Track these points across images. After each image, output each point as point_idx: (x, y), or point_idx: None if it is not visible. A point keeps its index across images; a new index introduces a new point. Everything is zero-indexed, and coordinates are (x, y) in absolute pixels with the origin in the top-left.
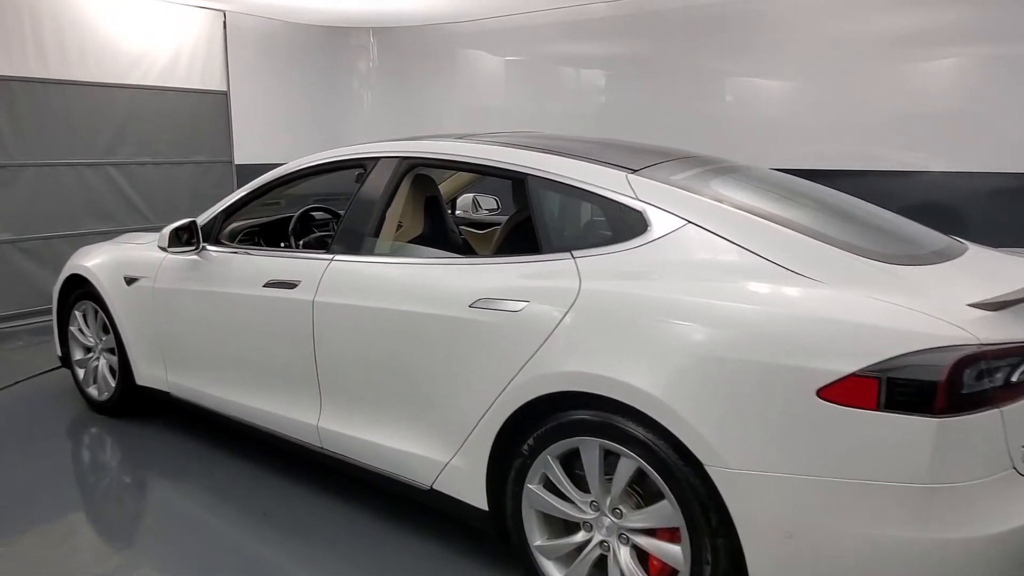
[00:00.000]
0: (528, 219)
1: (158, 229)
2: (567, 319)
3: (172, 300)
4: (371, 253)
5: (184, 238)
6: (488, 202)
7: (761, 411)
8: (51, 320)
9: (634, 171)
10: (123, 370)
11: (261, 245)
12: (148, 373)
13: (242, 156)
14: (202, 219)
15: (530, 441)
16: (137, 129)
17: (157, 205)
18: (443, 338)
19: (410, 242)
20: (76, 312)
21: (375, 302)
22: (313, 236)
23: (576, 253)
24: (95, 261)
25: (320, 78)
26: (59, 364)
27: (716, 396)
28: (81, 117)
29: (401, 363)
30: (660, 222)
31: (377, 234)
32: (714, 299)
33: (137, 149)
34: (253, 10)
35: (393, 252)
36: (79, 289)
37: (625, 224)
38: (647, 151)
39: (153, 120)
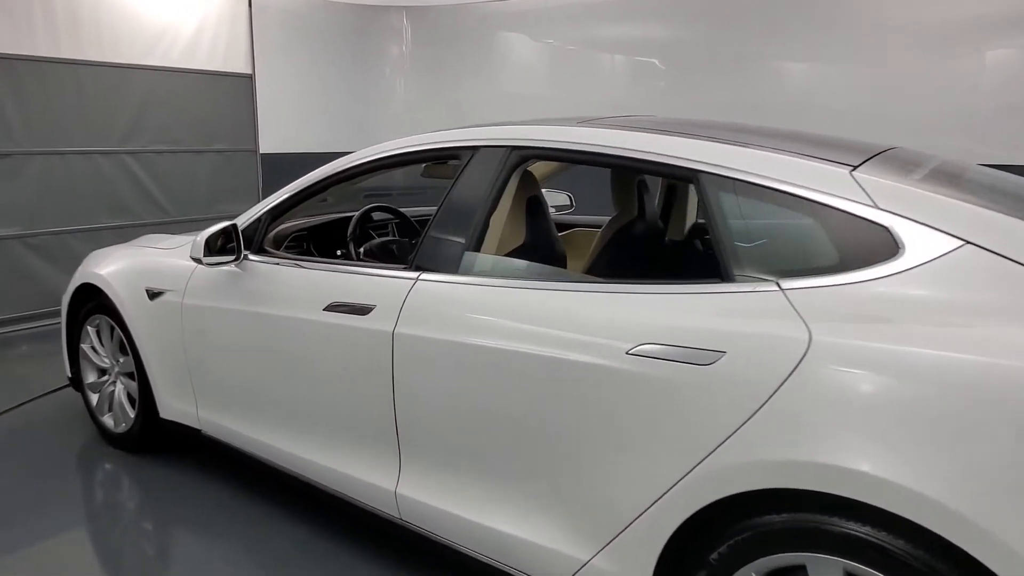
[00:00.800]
0: (633, 222)
1: (178, 223)
2: (792, 382)
3: (205, 320)
4: (471, 271)
5: (220, 244)
6: (560, 199)
7: None
8: (59, 324)
9: (855, 167)
10: (144, 399)
11: (312, 253)
12: (174, 406)
13: (267, 144)
14: (242, 221)
15: (722, 548)
16: (155, 114)
17: (176, 197)
18: (586, 396)
19: (509, 254)
20: (88, 327)
21: (482, 339)
22: (376, 242)
23: (785, 284)
24: (111, 269)
25: (351, 62)
26: (67, 383)
27: None
28: (94, 101)
29: (519, 423)
30: (919, 241)
31: (479, 246)
32: None
33: (155, 136)
34: None
35: (500, 270)
36: (92, 301)
37: (861, 244)
38: (831, 142)
39: (173, 105)
